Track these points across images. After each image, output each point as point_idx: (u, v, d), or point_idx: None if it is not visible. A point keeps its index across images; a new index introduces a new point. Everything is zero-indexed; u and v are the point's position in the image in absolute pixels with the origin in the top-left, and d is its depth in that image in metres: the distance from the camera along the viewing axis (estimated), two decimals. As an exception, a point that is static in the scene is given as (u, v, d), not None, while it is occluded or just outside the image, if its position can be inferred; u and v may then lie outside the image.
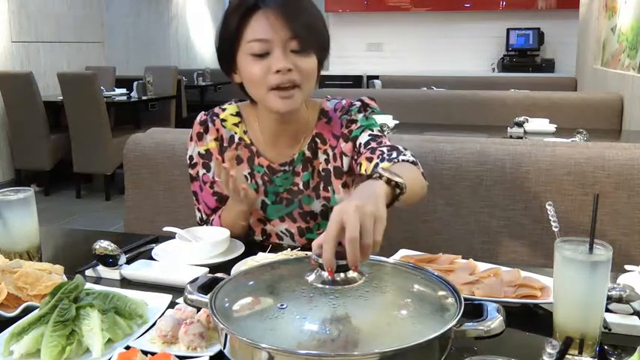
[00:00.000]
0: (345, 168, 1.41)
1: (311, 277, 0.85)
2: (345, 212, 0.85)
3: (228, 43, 1.31)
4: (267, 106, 1.31)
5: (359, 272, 0.85)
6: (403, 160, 1.25)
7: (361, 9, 7.61)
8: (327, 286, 0.83)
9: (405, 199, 1.07)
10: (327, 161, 1.42)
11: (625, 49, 3.85)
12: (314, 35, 1.29)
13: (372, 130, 1.38)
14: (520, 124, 3.12)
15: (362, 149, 1.36)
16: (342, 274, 0.83)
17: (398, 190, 1.02)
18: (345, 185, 1.43)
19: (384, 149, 1.31)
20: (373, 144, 1.34)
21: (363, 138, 1.37)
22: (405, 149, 1.31)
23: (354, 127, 1.40)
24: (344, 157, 1.41)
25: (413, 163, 1.27)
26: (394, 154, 1.28)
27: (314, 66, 1.31)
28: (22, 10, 5.80)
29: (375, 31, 7.66)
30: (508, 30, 7.21)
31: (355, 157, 1.39)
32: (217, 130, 1.45)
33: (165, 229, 1.37)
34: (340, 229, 0.83)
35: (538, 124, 3.23)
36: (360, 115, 1.41)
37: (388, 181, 1.00)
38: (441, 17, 7.43)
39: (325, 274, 0.83)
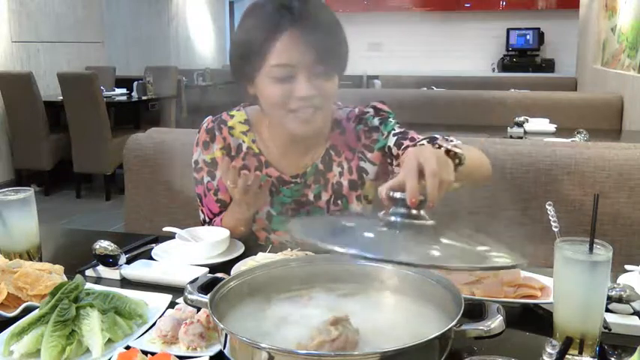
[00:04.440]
0: (372, 176, 1.38)
1: (384, 217, 0.85)
2: (420, 152, 0.90)
3: (247, 60, 1.26)
4: (285, 127, 1.29)
5: (426, 218, 0.86)
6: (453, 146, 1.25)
7: (361, 9, 7.62)
8: (400, 219, 0.83)
9: (470, 175, 1.09)
10: (340, 174, 1.39)
11: (625, 49, 3.85)
12: (337, 58, 1.26)
13: (395, 129, 1.37)
14: (520, 124, 3.12)
15: (396, 151, 1.34)
16: (414, 211, 0.85)
17: (457, 161, 1.02)
18: (359, 199, 1.40)
19: (424, 142, 1.28)
20: (406, 142, 1.32)
21: (392, 141, 1.35)
22: (449, 135, 1.31)
23: (375, 135, 1.38)
24: (370, 165, 1.38)
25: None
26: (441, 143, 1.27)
27: (336, 87, 1.27)
28: (22, 9, 5.80)
29: (375, 31, 7.66)
30: (508, 30, 7.21)
31: (390, 162, 1.36)
32: (224, 139, 1.40)
33: (165, 229, 1.37)
34: (418, 166, 0.88)
35: (538, 124, 3.24)
36: (377, 121, 1.38)
37: (447, 151, 1.00)
38: (441, 17, 7.43)
39: (400, 209, 0.85)
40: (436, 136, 1.30)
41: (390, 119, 1.40)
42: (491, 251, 0.83)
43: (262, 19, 1.24)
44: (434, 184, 0.87)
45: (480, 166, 1.22)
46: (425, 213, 0.85)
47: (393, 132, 1.37)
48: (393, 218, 0.84)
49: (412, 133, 1.36)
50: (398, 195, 0.85)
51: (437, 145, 1.01)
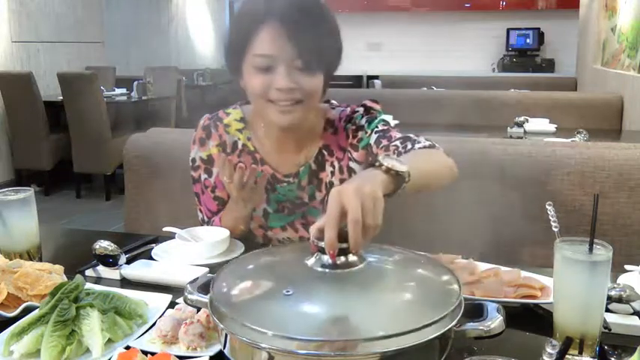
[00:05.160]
0: None
1: (311, 261, 0.84)
2: (344, 194, 0.85)
3: (235, 51, 1.28)
4: (267, 118, 1.30)
5: (359, 256, 0.84)
6: (419, 148, 1.23)
7: (361, 9, 7.61)
8: (327, 270, 0.82)
9: (423, 185, 1.07)
10: (332, 173, 1.40)
11: (625, 49, 3.85)
12: (321, 55, 1.25)
13: (378, 127, 1.36)
14: (520, 124, 3.12)
15: (375, 149, 1.33)
16: (342, 258, 0.83)
17: (403, 179, 0.99)
18: None
19: (397, 143, 1.28)
20: (384, 141, 1.32)
21: (373, 139, 1.35)
22: (418, 135, 1.29)
23: (360, 134, 1.38)
24: (357, 165, 1.38)
25: (430, 147, 1.25)
26: (409, 145, 1.25)
27: (319, 84, 1.27)
28: (22, 9, 5.80)
29: (375, 31, 7.65)
30: (508, 30, 7.21)
31: (370, 160, 1.36)
32: (220, 136, 1.42)
33: (165, 229, 1.37)
34: (341, 211, 0.84)
35: (538, 124, 3.24)
36: (364, 121, 1.38)
37: (388, 170, 0.97)
38: (441, 17, 7.43)
39: (326, 257, 0.83)
40: (410, 135, 1.30)
41: (377, 118, 1.39)
42: (415, 293, 0.82)
43: (250, 10, 1.26)
44: (356, 232, 0.82)
45: (435, 176, 1.19)
46: (355, 257, 0.83)
47: (375, 130, 1.36)
48: (320, 269, 0.82)
49: (392, 132, 1.35)
50: (322, 244, 0.82)
51: (378, 163, 0.97)
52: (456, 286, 0.81)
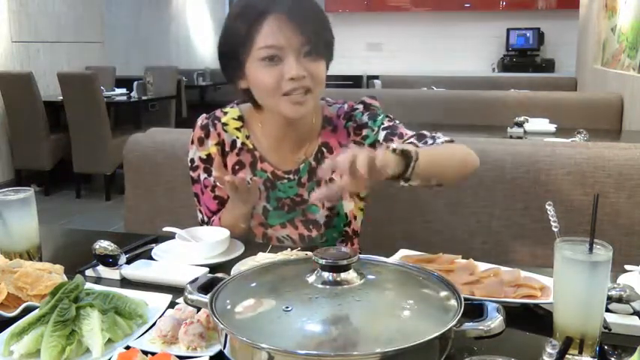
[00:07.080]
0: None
1: (311, 278, 0.85)
2: (359, 151, 0.99)
3: (235, 49, 1.28)
4: (279, 112, 1.30)
5: (358, 272, 0.85)
6: (441, 143, 1.28)
7: (361, 9, 7.62)
8: (328, 287, 0.83)
9: (437, 168, 1.15)
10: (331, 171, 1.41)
11: (625, 49, 3.85)
12: (324, 39, 1.29)
13: (384, 123, 1.38)
14: (520, 124, 3.12)
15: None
16: (342, 275, 0.84)
17: (410, 157, 1.06)
18: (351, 195, 1.41)
19: (414, 140, 1.31)
20: (395, 138, 1.33)
21: (381, 136, 1.36)
22: (436, 132, 1.33)
23: (365, 132, 1.38)
24: None
25: (449, 142, 1.29)
26: (429, 141, 1.29)
27: (324, 71, 1.30)
28: (22, 9, 5.80)
29: (375, 31, 7.66)
30: (508, 30, 7.22)
31: None
32: (219, 135, 1.42)
33: (165, 229, 1.37)
34: (351, 160, 0.97)
35: (538, 124, 3.23)
36: (366, 118, 1.39)
37: (394, 150, 1.03)
38: (441, 17, 7.44)
39: (326, 274, 0.84)
40: (424, 132, 1.32)
41: (379, 114, 1.40)
42: (412, 309, 0.83)
43: (248, 6, 1.27)
44: (362, 162, 0.99)
45: (450, 158, 1.24)
46: (354, 273, 0.85)
47: (382, 126, 1.37)
48: (320, 286, 0.83)
49: (401, 129, 1.37)
50: (323, 262, 0.84)
51: (385, 147, 1.06)
52: (454, 302, 0.81)
